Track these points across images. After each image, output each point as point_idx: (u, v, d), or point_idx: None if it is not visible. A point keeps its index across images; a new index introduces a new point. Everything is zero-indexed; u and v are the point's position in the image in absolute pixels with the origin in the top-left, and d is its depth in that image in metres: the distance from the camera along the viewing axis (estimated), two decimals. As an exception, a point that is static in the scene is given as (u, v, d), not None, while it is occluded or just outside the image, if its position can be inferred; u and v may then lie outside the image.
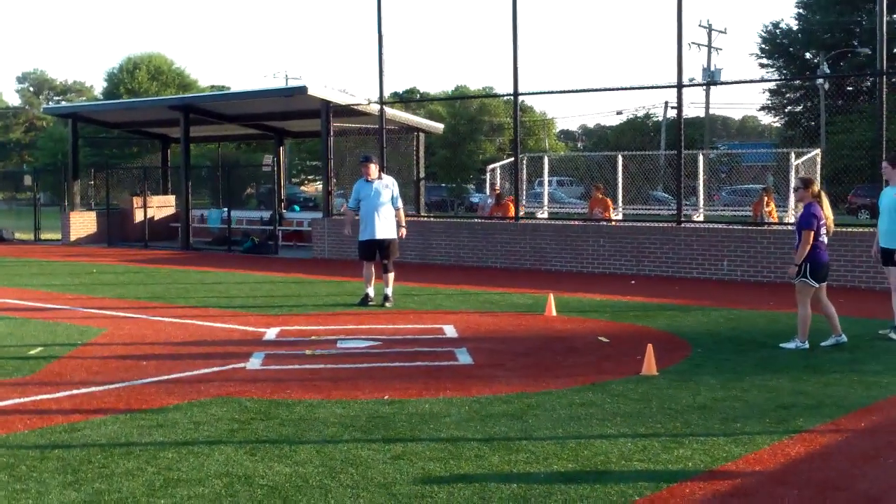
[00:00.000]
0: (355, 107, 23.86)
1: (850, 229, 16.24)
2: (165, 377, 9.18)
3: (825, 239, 10.57)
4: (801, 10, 58.39)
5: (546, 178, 29.32)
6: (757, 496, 5.69)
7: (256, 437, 7.02)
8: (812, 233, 10.38)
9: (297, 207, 35.81)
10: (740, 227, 17.77)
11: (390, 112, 23.96)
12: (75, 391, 8.60)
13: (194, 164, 33.30)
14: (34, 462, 6.40)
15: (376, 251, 14.41)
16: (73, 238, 28.89)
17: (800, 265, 10.48)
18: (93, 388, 8.69)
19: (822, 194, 10.71)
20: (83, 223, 29.28)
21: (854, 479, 6.03)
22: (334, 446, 6.75)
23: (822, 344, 10.55)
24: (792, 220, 20.29)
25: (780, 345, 10.55)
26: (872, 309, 13.12)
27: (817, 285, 10.55)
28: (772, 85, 58.97)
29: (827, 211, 10.63)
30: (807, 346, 10.42)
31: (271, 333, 11.74)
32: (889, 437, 6.97)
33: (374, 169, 14.47)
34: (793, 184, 11.16)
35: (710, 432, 7.07)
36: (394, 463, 6.35)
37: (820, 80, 50.32)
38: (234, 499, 5.67)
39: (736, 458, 6.44)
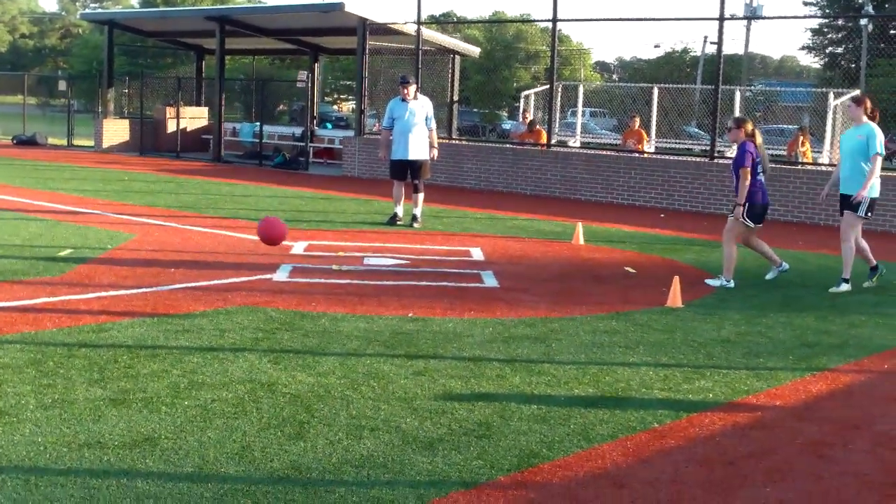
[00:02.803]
0: (392, 26, 23.61)
1: (886, 174, 16.03)
2: (192, 284, 9.26)
3: (763, 178, 10.41)
4: (849, -53, 57.12)
5: (580, 107, 29.07)
6: (776, 430, 5.70)
7: (280, 346, 7.08)
8: (748, 170, 10.19)
9: (328, 125, 35.71)
10: (773, 166, 17.58)
11: (427, 33, 23.74)
12: (103, 293, 8.69)
13: (228, 77, 33.17)
14: (61, 359, 6.49)
15: (407, 171, 14.42)
16: (105, 145, 28.96)
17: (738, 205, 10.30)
18: (121, 292, 8.79)
19: (757, 133, 10.46)
20: (116, 131, 29.32)
21: (873, 418, 6.03)
22: (357, 359, 6.81)
23: (767, 276, 10.69)
24: (826, 161, 20.08)
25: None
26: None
27: (753, 226, 10.42)
28: (814, 24, 57.82)
29: (762, 150, 10.44)
30: (732, 284, 10.25)
31: (298, 247, 11.79)
32: (912, 380, 6.96)
33: (412, 90, 14.46)
34: (729, 123, 10.92)
35: (733, 366, 7.08)
36: (415, 378, 6.40)
37: (864, 21, 49.37)
38: (256, 404, 5.74)
39: (757, 391, 6.45)
